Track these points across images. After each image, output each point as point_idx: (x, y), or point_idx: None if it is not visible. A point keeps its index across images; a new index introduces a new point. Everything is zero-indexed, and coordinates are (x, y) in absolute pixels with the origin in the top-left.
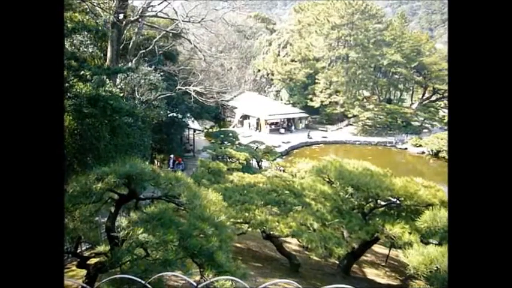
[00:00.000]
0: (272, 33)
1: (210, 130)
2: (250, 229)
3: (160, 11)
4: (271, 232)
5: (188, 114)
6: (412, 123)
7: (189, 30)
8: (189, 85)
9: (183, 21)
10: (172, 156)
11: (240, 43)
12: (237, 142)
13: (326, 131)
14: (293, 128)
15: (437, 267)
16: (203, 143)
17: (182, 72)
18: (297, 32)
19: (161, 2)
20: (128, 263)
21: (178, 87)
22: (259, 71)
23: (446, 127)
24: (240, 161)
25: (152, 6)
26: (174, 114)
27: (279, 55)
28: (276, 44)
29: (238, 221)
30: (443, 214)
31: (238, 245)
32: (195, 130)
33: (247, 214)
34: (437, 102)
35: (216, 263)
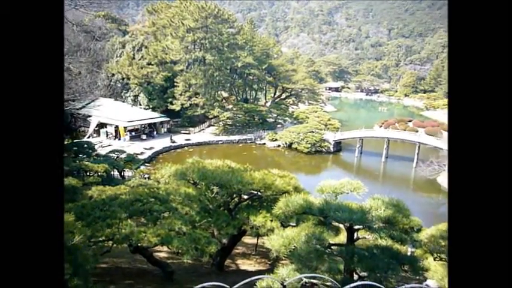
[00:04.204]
0: (125, 34)
1: None
2: (115, 245)
3: None
4: (139, 244)
5: None
6: (268, 120)
7: None
8: None
9: None
10: None
11: (88, 45)
12: (94, 153)
13: (189, 133)
14: (155, 133)
15: (294, 246)
16: None
17: None
18: (152, 34)
19: None
20: None
21: None
22: (113, 75)
23: (295, 121)
24: (100, 174)
25: None
26: None
27: (134, 58)
28: (130, 47)
29: (101, 239)
30: (294, 199)
31: (103, 265)
32: None
33: (109, 230)
34: (286, 99)
35: None
